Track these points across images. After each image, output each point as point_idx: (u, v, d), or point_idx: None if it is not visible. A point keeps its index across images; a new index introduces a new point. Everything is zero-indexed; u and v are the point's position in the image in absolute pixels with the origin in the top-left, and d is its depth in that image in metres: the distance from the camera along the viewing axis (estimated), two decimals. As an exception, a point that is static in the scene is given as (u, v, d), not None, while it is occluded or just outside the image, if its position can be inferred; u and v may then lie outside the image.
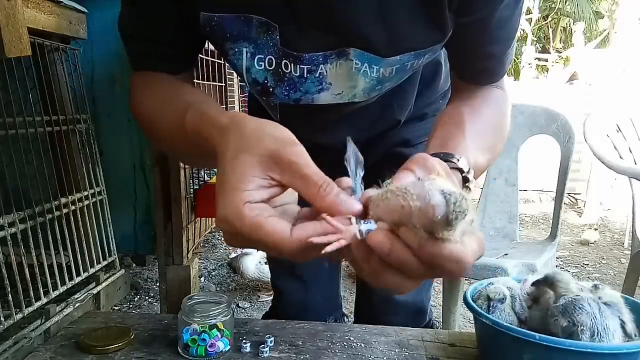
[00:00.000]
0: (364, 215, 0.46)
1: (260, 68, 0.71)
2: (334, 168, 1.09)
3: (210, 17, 0.66)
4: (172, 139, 0.65)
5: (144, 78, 0.73)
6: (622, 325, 0.61)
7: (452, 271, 0.43)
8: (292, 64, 0.70)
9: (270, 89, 0.74)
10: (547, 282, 0.65)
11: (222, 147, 0.50)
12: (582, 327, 0.58)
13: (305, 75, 0.71)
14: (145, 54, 0.72)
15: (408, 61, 0.71)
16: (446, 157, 0.60)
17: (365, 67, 0.70)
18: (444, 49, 0.80)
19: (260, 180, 0.46)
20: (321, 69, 0.71)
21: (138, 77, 0.74)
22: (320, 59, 0.69)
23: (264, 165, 0.46)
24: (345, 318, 1.21)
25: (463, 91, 0.78)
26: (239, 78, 2.63)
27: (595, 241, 3.88)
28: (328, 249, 0.43)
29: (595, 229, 4.17)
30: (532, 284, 0.68)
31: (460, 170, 0.60)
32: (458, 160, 0.60)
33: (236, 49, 0.69)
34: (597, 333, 0.57)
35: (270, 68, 0.71)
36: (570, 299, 0.61)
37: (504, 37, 0.72)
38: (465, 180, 0.60)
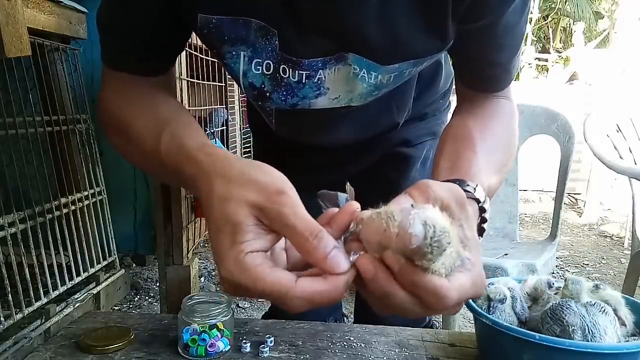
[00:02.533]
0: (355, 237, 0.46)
1: (257, 72, 0.70)
2: (334, 170, 1.08)
3: (209, 20, 0.64)
4: (145, 159, 0.63)
5: (117, 80, 0.70)
6: (620, 322, 0.62)
7: (433, 305, 0.43)
8: (290, 69, 0.69)
9: (267, 94, 0.73)
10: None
11: (207, 192, 0.48)
12: (573, 328, 0.58)
13: (303, 81, 0.70)
14: (122, 50, 0.69)
15: (407, 69, 0.70)
16: (461, 186, 0.57)
17: (364, 73, 0.69)
18: (449, 57, 0.79)
19: (255, 229, 0.45)
20: (320, 74, 0.69)
21: (110, 78, 0.70)
22: (320, 65, 0.68)
23: (255, 213, 0.45)
24: (345, 318, 1.21)
25: (469, 101, 0.76)
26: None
27: (619, 235, 3.90)
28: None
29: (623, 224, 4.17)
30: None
31: (477, 201, 0.57)
32: (474, 189, 0.57)
33: (234, 53, 0.68)
34: (588, 330, 0.57)
35: (268, 73, 0.69)
36: (556, 303, 0.61)
37: (510, 44, 0.70)
38: (482, 210, 0.57)
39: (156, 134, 0.59)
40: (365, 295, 0.47)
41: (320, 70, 0.69)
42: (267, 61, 0.68)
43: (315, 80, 0.70)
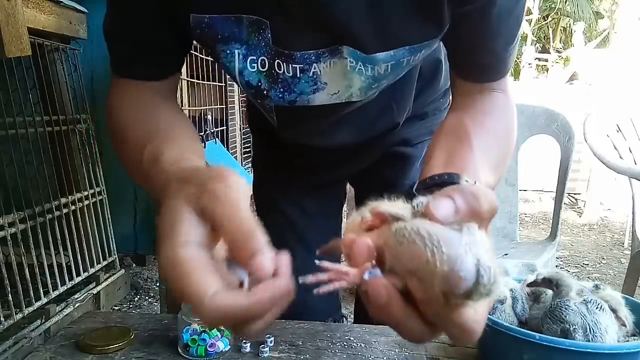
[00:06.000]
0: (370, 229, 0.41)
1: (253, 70, 0.70)
2: (333, 170, 1.08)
3: (201, 19, 0.65)
4: (133, 170, 0.63)
5: (121, 87, 0.71)
6: (620, 322, 0.62)
7: (457, 337, 0.39)
8: (284, 64, 0.69)
9: (265, 92, 0.73)
10: (545, 283, 0.65)
11: (162, 197, 0.45)
12: (574, 327, 0.58)
13: (298, 75, 0.70)
14: (128, 58, 0.70)
15: (403, 57, 0.69)
16: (458, 180, 0.53)
17: (360, 66, 0.69)
18: (444, 46, 0.78)
19: (193, 217, 0.40)
20: (314, 68, 0.69)
21: (118, 85, 0.72)
22: (313, 58, 0.68)
23: (193, 199, 0.41)
24: (344, 319, 1.20)
25: (464, 95, 0.75)
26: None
27: (619, 235, 3.90)
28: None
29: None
30: (529, 285, 0.68)
31: None
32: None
33: (228, 51, 0.68)
34: (590, 329, 0.57)
35: (264, 69, 0.70)
36: (556, 302, 0.61)
37: (505, 31, 0.69)
38: None
39: (142, 146, 0.59)
40: (366, 304, 0.42)
41: (315, 64, 0.69)
42: (261, 57, 0.69)
43: (310, 75, 0.70)
